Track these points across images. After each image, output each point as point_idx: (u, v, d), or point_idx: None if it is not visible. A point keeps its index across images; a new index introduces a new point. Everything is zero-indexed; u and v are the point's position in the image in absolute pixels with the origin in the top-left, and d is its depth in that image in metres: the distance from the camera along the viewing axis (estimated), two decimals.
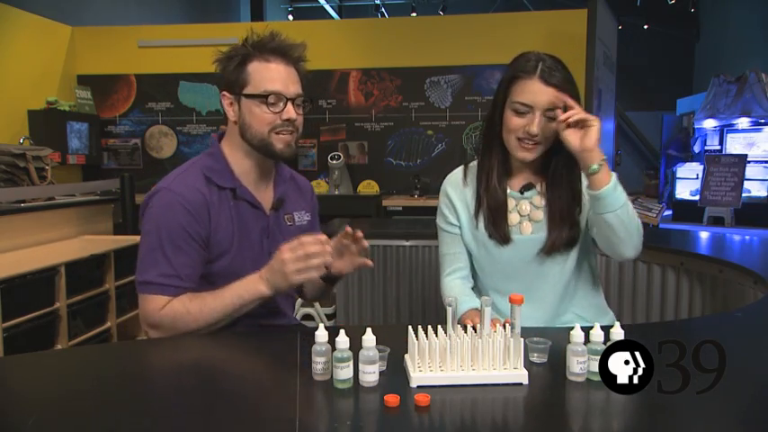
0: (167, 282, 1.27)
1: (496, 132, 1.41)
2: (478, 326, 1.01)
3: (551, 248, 1.41)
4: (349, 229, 1.35)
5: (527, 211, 1.44)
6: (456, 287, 1.50)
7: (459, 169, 1.55)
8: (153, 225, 1.29)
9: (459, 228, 1.50)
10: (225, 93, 1.36)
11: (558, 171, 1.41)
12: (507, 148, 1.40)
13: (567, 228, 1.40)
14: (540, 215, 1.43)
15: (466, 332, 0.99)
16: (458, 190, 1.51)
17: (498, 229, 1.42)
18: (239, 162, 1.38)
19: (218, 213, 1.33)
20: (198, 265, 1.32)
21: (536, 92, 1.32)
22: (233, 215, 1.35)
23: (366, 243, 1.37)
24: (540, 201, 1.44)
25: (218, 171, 1.36)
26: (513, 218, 1.44)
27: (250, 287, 1.26)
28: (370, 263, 1.38)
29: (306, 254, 1.21)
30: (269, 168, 1.43)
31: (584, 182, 1.38)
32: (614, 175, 1.29)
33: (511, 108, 1.35)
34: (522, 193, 1.45)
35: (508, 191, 1.45)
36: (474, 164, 1.51)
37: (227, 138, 1.41)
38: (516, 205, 1.45)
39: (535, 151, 1.37)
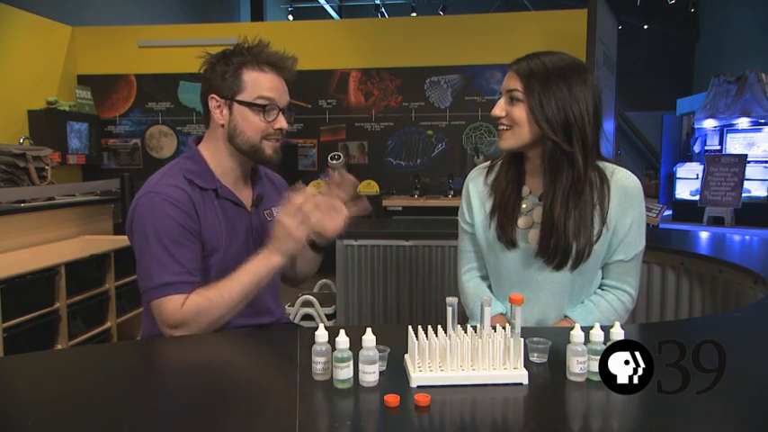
0: (180, 279, 1.28)
1: None
2: (478, 326, 1.01)
3: (540, 255, 1.34)
4: (336, 176, 1.36)
5: (540, 218, 1.36)
6: (474, 288, 1.50)
7: (485, 164, 1.51)
8: (147, 229, 1.28)
9: (473, 227, 1.48)
10: (214, 96, 1.35)
11: (559, 184, 1.31)
12: None
13: (560, 238, 1.31)
14: None
15: (466, 332, 0.99)
16: (478, 186, 1.48)
17: (505, 232, 1.38)
18: (220, 163, 1.40)
19: (204, 211, 1.34)
20: (199, 257, 1.33)
21: (505, 79, 1.36)
22: (218, 214, 1.37)
23: (355, 180, 1.37)
24: None
25: (199, 173, 1.37)
26: (525, 221, 1.39)
27: (263, 260, 1.30)
28: (365, 203, 1.37)
29: (297, 207, 1.26)
30: (248, 168, 1.46)
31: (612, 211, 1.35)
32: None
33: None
34: (540, 199, 1.39)
35: (528, 193, 1.41)
36: (499, 162, 1.48)
37: (208, 140, 1.41)
38: (531, 210, 1.39)
39: (506, 138, 1.34)
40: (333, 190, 1.34)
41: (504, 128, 1.35)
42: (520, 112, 1.31)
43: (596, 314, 1.40)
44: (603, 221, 1.34)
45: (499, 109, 1.34)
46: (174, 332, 1.29)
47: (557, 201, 1.31)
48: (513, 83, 1.32)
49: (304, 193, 1.27)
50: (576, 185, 1.31)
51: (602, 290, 1.45)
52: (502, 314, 1.45)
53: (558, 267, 1.35)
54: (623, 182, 1.37)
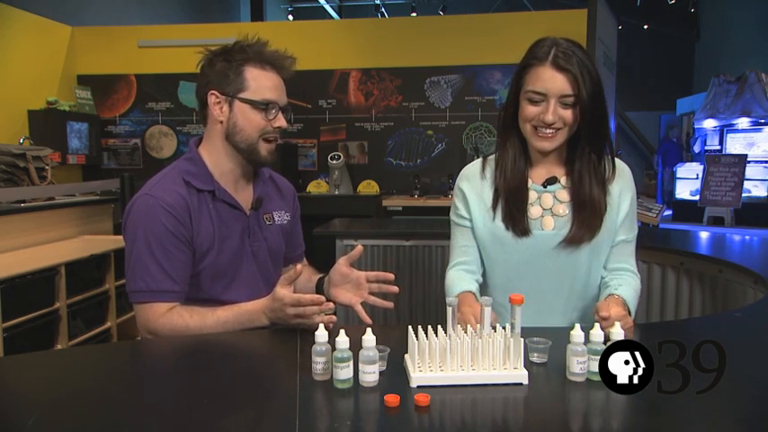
0: (162, 287, 1.29)
1: (513, 122, 1.39)
2: (478, 326, 1.01)
3: (573, 238, 1.37)
4: (391, 277, 1.35)
5: (549, 205, 1.39)
6: (456, 275, 1.48)
7: (478, 161, 1.51)
8: (138, 232, 1.30)
9: (471, 221, 1.47)
10: (214, 92, 1.35)
11: (582, 156, 1.37)
12: (525, 138, 1.38)
13: (593, 214, 1.36)
14: (564, 210, 1.39)
15: (466, 332, 0.99)
16: (474, 182, 1.47)
17: (517, 223, 1.38)
18: (219, 164, 1.40)
19: (198, 215, 1.34)
20: (187, 266, 1.33)
21: (548, 79, 1.29)
22: (213, 216, 1.36)
23: (396, 288, 1.36)
24: (564, 195, 1.40)
25: (197, 174, 1.37)
26: (536, 211, 1.40)
27: (253, 317, 1.28)
28: (368, 320, 1.29)
29: (305, 312, 1.21)
30: (249, 169, 1.45)
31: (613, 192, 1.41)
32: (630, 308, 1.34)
33: (525, 97, 1.33)
34: (545, 186, 1.41)
35: (530, 183, 1.42)
36: (493, 157, 1.47)
37: (207, 140, 1.42)
38: (538, 198, 1.41)
39: (554, 140, 1.33)
40: (375, 279, 1.36)
41: (552, 132, 1.33)
42: (570, 115, 1.31)
43: (632, 291, 1.40)
44: (605, 193, 1.41)
45: (552, 115, 1.30)
46: (149, 336, 1.31)
47: (584, 181, 1.37)
48: (564, 87, 1.29)
49: (318, 303, 1.21)
50: (598, 168, 1.39)
51: (617, 273, 1.45)
52: (471, 292, 1.42)
53: (580, 242, 1.38)
54: (619, 165, 1.45)
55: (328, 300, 1.35)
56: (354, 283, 1.37)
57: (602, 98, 1.32)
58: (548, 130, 1.32)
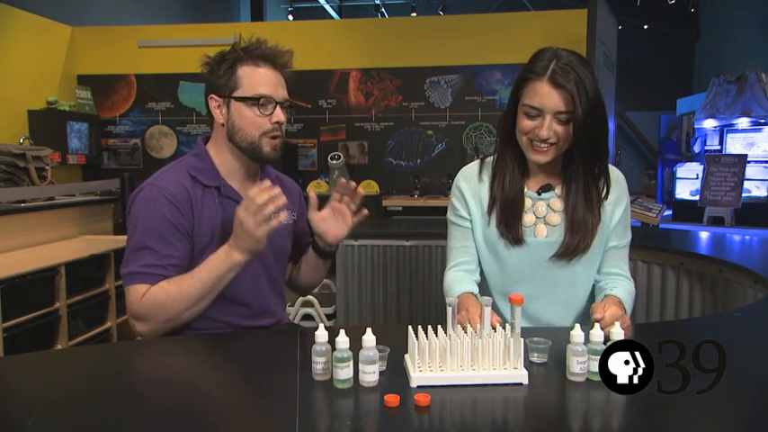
0: (150, 271, 1.28)
1: (512, 133, 1.38)
2: (478, 326, 1.01)
3: (564, 254, 1.38)
4: (342, 181, 1.42)
5: (543, 213, 1.40)
6: (455, 276, 1.47)
7: (475, 163, 1.51)
8: (138, 219, 1.31)
9: (471, 222, 1.47)
10: (213, 95, 1.37)
11: (577, 176, 1.37)
12: (522, 149, 1.38)
13: (584, 235, 1.37)
14: (557, 219, 1.40)
15: (466, 332, 0.99)
16: (471, 184, 1.48)
17: (511, 230, 1.39)
18: (225, 162, 1.41)
19: (201, 207, 1.35)
20: (184, 256, 1.32)
21: (544, 95, 1.28)
22: (218, 210, 1.37)
23: (362, 191, 1.45)
24: (558, 204, 1.40)
25: (204, 170, 1.38)
26: (529, 219, 1.41)
27: (223, 258, 1.27)
28: (364, 212, 1.43)
29: (258, 205, 1.20)
30: (255, 168, 1.45)
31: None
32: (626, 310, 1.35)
33: (522, 111, 1.33)
34: (539, 194, 1.42)
35: (525, 190, 1.42)
36: (490, 159, 1.47)
37: (213, 140, 1.43)
38: (532, 206, 1.41)
39: (549, 154, 1.33)
40: (339, 195, 1.38)
41: (547, 146, 1.33)
42: (564, 131, 1.31)
43: (626, 292, 1.41)
44: (599, 208, 1.42)
45: (547, 131, 1.30)
46: (137, 325, 1.30)
47: (579, 201, 1.38)
48: (559, 104, 1.28)
49: (265, 187, 1.21)
50: (591, 188, 1.39)
51: (611, 278, 1.46)
52: (471, 293, 1.41)
53: (571, 258, 1.39)
54: (614, 174, 1.45)
55: (331, 245, 1.47)
56: (334, 215, 1.45)
57: (599, 115, 1.30)
58: (542, 145, 1.33)
